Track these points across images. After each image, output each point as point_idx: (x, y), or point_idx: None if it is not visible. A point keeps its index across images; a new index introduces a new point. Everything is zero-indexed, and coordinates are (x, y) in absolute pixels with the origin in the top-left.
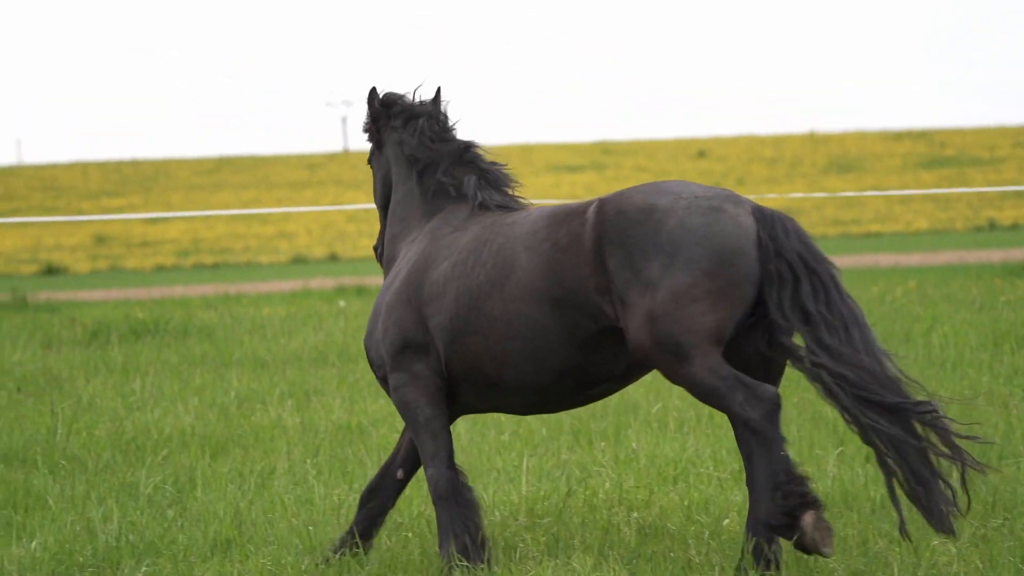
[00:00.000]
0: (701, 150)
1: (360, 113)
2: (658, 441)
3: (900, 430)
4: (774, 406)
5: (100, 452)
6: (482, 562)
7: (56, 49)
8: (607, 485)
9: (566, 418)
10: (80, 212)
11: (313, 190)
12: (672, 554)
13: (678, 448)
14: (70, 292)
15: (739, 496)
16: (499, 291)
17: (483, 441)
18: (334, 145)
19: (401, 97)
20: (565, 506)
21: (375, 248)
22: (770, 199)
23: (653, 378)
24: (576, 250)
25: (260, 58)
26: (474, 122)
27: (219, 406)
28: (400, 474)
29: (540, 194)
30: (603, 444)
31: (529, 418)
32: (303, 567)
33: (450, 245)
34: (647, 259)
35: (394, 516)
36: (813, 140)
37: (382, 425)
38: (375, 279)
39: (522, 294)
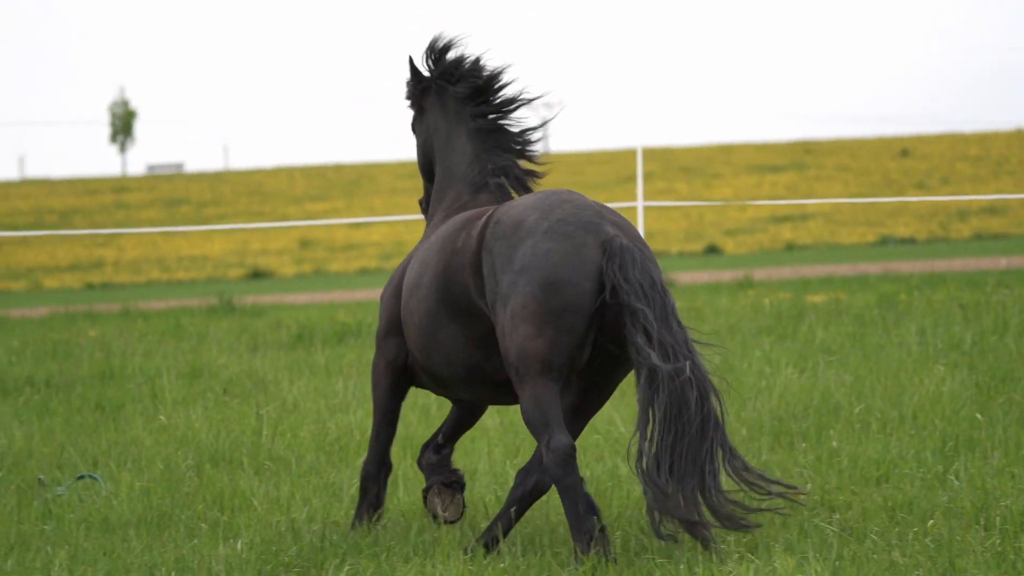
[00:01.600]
0: (904, 149)
1: (553, 115)
2: (860, 442)
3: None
4: (566, 456)
5: (304, 453)
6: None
7: (262, 58)
8: (808, 486)
9: (767, 419)
10: (285, 217)
11: None
12: (875, 556)
13: (881, 449)
14: (275, 295)
15: (944, 497)
16: (417, 289)
17: None
18: (538, 147)
19: (444, 62)
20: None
21: (420, 202)
22: (975, 199)
23: (855, 378)
24: (465, 254)
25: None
26: (676, 121)
27: (420, 407)
28: (440, 438)
29: (741, 195)
30: (804, 445)
31: (730, 419)
32: (502, 566)
33: (426, 238)
34: (504, 273)
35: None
36: (1020, 137)
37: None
38: None
39: (427, 293)
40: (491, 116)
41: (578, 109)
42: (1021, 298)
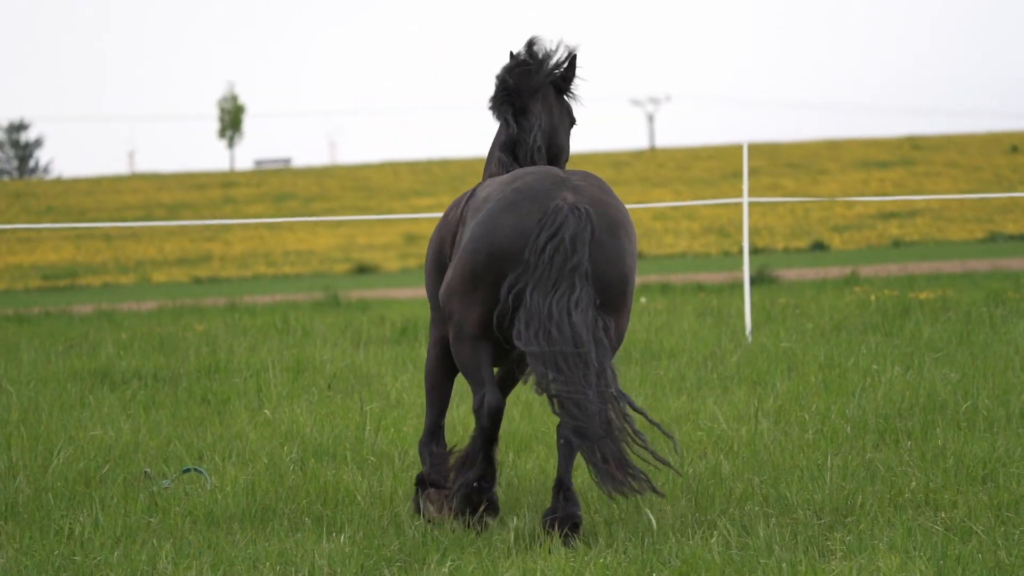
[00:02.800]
0: (1014, 144)
1: (664, 111)
2: (966, 440)
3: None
4: (496, 411)
5: (407, 448)
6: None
7: (369, 53)
8: (913, 484)
9: (872, 417)
10: (391, 211)
11: (619, 188)
12: (980, 555)
13: (987, 447)
14: (380, 290)
15: None
16: (428, 263)
17: (786, 440)
18: (640, 142)
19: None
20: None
21: None
22: None
23: (962, 376)
24: (451, 226)
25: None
26: (783, 116)
27: (523, 403)
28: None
29: (848, 191)
30: (909, 443)
31: (835, 416)
32: (604, 561)
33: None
34: (461, 241)
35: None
36: None
37: (685, 422)
38: (680, 276)
39: (429, 267)
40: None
41: (685, 105)
42: None
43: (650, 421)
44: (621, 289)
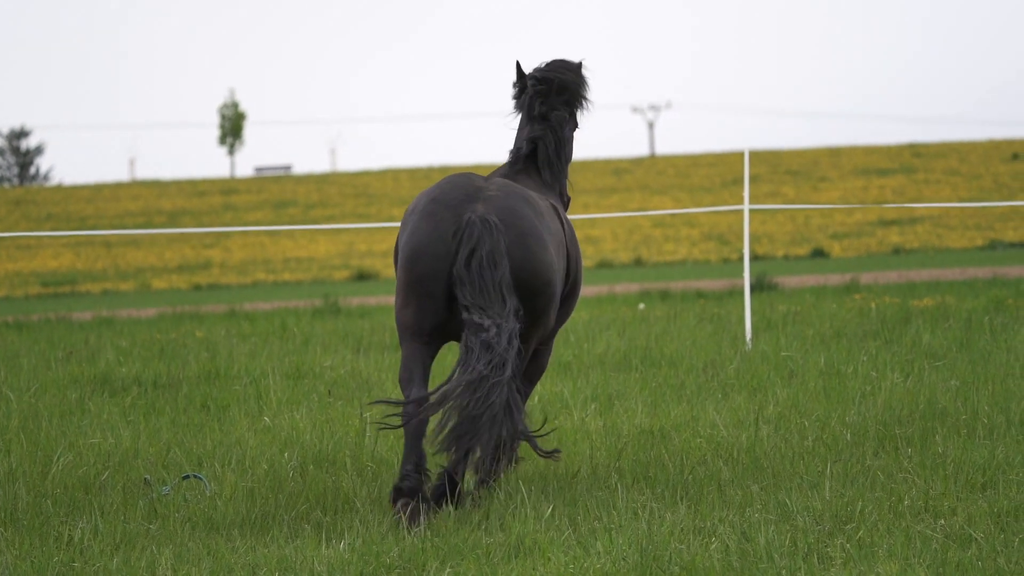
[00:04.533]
0: (1015, 152)
1: (664, 118)
2: (966, 447)
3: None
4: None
5: None
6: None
7: (370, 61)
8: (913, 491)
9: (872, 424)
10: (391, 218)
11: (619, 195)
12: (980, 563)
13: (987, 454)
14: (380, 297)
15: None
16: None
17: (786, 446)
18: (640, 150)
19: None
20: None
21: None
22: None
23: (962, 383)
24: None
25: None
26: (783, 124)
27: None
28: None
29: (848, 198)
30: (909, 450)
31: (835, 424)
32: (603, 567)
33: None
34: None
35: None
36: None
37: (684, 430)
38: (680, 283)
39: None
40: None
41: (685, 112)
42: None
43: (539, 452)
44: (538, 297)
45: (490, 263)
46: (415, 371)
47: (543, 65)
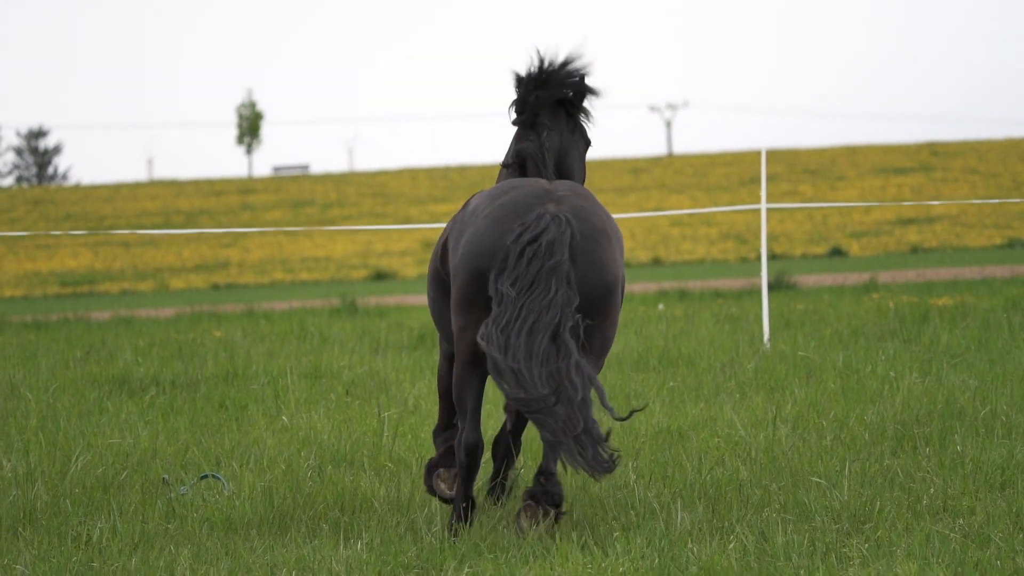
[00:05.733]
0: None
1: (682, 117)
2: (984, 447)
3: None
4: (472, 457)
5: (424, 454)
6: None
7: (387, 60)
8: (931, 491)
9: (890, 423)
10: (409, 218)
11: (637, 194)
12: (999, 563)
13: (1005, 454)
14: (398, 297)
15: None
16: (428, 274)
17: (804, 446)
18: (658, 149)
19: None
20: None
21: None
22: None
23: (980, 382)
24: (443, 240)
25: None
26: (801, 122)
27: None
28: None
29: (866, 197)
30: (928, 449)
31: (853, 423)
32: (621, 570)
33: None
34: (453, 257)
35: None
36: None
37: (702, 429)
38: (698, 283)
39: (429, 280)
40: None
41: (703, 111)
42: None
43: (613, 415)
44: (604, 294)
45: (545, 253)
46: (470, 401)
47: (547, 66)
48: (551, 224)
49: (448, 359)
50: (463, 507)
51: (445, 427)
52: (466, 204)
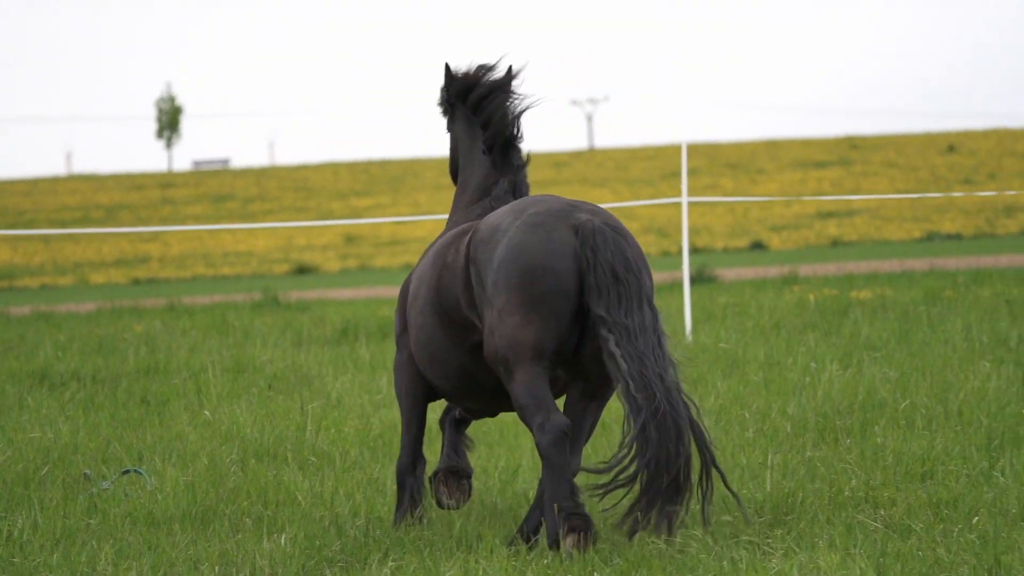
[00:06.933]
0: (951, 144)
1: (601, 110)
2: (905, 438)
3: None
4: (561, 434)
5: (348, 448)
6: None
7: (308, 53)
8: (853, 482)
9: (812, 415)
10: (330, 212)
11: (559, 188)
12: (920, 553)
13: (926, 445)
14: (320, 291)
15: (990, 494)
16: (415, 302)
17: (726, 438)
18: (579, 143)
19: (469, 75)
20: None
21: None
22: (1023, 194)
23: (900, 374)
24: (455, 268)
25: (505, 58)
26: (721, 117)
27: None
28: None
29: (787, 191)
30: (849, 441)
31: (775, 415)
32: (545, 562)
33: (428, 250)
34: (487, 276)
35: None
36: None
37: (624, 422)
38: None
39: (423, 307)
40: (500, 141)
41: (624, 105)
42: None
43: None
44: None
45: (636, 268)
46: (546, 395)
47: (474, 72)
48: (615, 238)
49: (414, 371)
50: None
51: (412, 458)
52: (469, 231)
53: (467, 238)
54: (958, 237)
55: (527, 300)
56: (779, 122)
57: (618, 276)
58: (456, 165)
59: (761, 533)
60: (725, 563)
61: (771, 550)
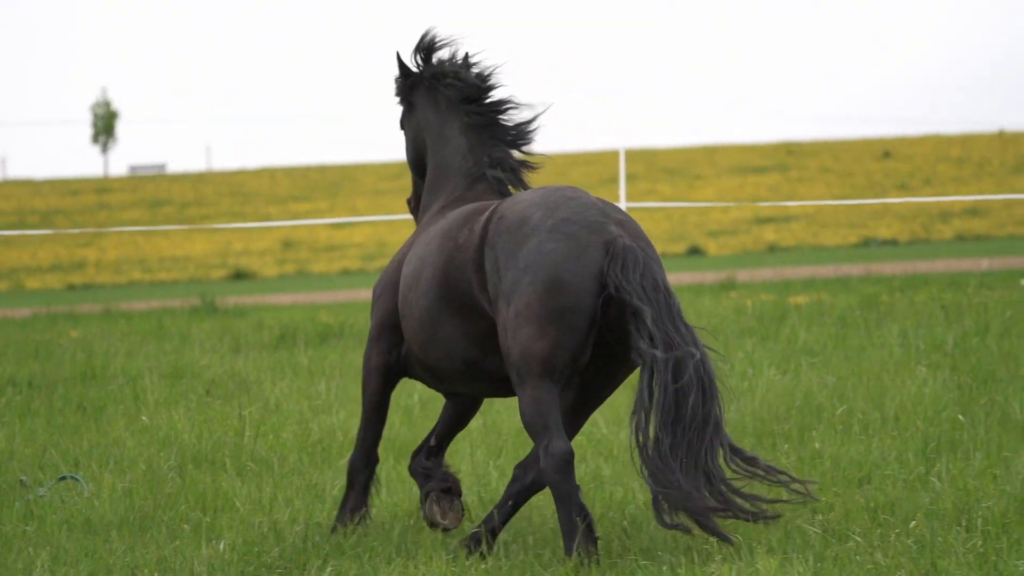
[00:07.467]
0: (886, 150)
1: (543, 111)
2: (842, 443)
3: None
4: (564, 462)
5: (286, 454)
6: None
7: (245, 58)
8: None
9: (749, 420)
10: (268, 217)
11: None
12: (857, 557)
13: (863, 450)
14: (258, 296)
15: (926, 498)
16: (417, 284)
17: None
18: None
19: (433, 60)
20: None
21: (408, 201)
22: (957, 200)
23: (838, 379)
24: (467, 249)
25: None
26: (659, 122)
27: (403, 409)
28: (433, 441)
29: (724, 196)
30: (786, 446)
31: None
32: (484, 567)
33: (424, 232)
34: (507, 268)
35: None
36: (1002, 139)
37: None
38: None
39: (427, 288)
40: (485, 113)
41: (561, 110)
42: (1002, 299)
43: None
44: None
45: (664, 288)
46: (553, 415)
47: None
48: (648, 259)
49: (386, 368)
50: (584, 530)
51: (366, 455)
52: (488, 210)
53: (483, 220)
54: (894, 242)
55: (546, 312)
56: (716, 128)
57: (649, 296)
58: (421, 157)
59: (700, 538)
60: (664, 568)
61: (710, 555)
